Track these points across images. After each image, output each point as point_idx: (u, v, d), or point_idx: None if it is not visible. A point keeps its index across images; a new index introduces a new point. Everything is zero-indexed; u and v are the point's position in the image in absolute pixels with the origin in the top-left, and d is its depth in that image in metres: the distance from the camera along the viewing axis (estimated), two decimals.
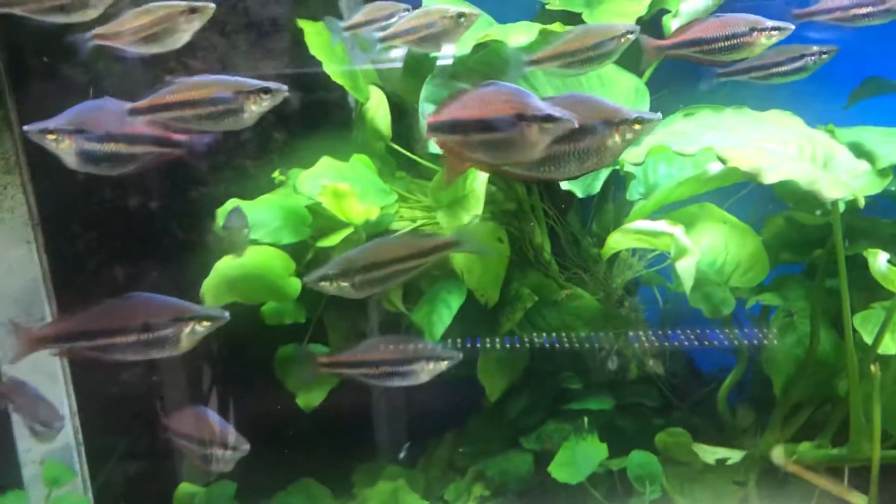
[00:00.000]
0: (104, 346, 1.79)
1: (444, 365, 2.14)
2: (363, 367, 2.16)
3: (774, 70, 2.27)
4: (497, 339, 2.59)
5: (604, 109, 1.71)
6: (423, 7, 2.15)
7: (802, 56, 2.26)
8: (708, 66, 2.27)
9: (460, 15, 2.11)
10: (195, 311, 1.86)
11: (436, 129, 1.74)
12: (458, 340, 2.56)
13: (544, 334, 2.58)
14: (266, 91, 1.81)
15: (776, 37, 2.15)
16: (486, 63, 2.47)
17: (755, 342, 2.69)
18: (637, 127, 1.70)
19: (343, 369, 2.20)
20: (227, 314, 1.89)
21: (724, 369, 2.73)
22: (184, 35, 1.83)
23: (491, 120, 1.67)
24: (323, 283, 1.94)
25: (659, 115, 1.72)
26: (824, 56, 2.25)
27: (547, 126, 1.66)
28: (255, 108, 1.81)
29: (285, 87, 1.83)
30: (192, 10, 1.80)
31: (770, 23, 2.15)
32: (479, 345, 2.60)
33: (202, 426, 2.05)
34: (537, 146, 1.69)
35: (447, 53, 2.48)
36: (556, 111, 1.66)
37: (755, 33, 2.15)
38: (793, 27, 2.17)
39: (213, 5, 1.81)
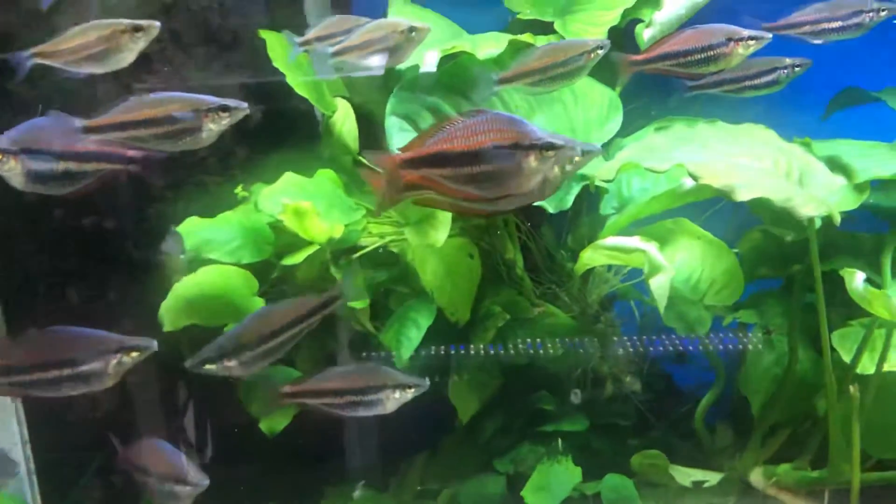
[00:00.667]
0: (25, 383, 1.71)
1: (410, 393, 2.08)
2: (327, 397, 2.10)
3: (747, 83, 2.22)
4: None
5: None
6: (375, 21, 2.07)
7: (775, 69, 2.20)
8: (685, 78, 2.22)
9: (411, 29, 2.04)
10: (122, 343, 1.78)
11: (417, 163, 1.65)
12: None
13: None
14: (225, 109, 1.73)
15: (753, 46, 2.11)
16: (455, 76, 2.40)
17: (733, 360, 2.65)
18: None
19: (306, 399, 2.13)
20: (154, 343, 1.81)
21: (704, 385, 2.67)
22: (128, 55, 1.75)
23: (485, 151, 1.60)
24: (208, 367, 1.87)
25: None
26: (797, 69, 2.20)
27: (549, 154, 1.61)
28: (213, 127, 1.74)
29: (245, 105, 1.76)
30: (137, 29, 1.73)
31: (747, 32, 2.10)
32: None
33: (159, 460, 1.96)
34: (536, 175, 1.63)
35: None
36: (556, 138, 1.61)
37: (732, 44, 2.10)
38: (770, 36, 2.12)
39: (157, 24, 1.74)
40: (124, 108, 1.70)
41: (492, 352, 2.51)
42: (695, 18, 2.41)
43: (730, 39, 2.10)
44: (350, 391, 2.09)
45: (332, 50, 2.04)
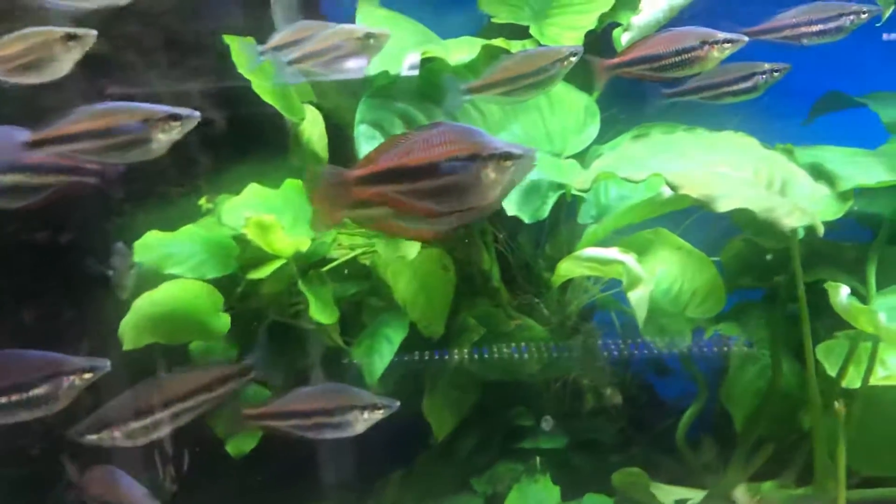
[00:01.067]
0: None
1: (379, 414, 2.00)
2: (294, 419, 2.02)
3: (725, 89, 2.16)
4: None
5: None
6: (332, 28, 2.00)
7: (753, 74, 2.15)
8: (660, 82, 2.16)
9: (368, 35, 1.96)
10: (72, 365, 1.70)
11: (372, 180, 1.57)
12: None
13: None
14: (176, 118, 1.65)
15: (729, 49, 2.06)
16: (427, 82, 2.32)
17: (716, 371, 2.58)
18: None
19: (271, 421, 2.04)
20: (108, 364, 1.74)
21: (687, 396, 2.60)
22: (63, 64, 1.66)
23: (443, 163, 1.54)
24: (89, 437, 1.77)
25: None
26: (776, 74, 2.14)
27: (506, 164, 1.56)
28: (163, 137, 1.66)
29: (197, 114, 1.67)
30: (71, 37, 1.64)
31: (722, 35, 2.06)
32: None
33: (112, 489, 1.87)
34: (496, 186, 1.58)
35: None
36: (514, 147, 1.56)
37: (707, 47, 2.05)
38: (746, 39, 2.07)
39: (94, 32, 1.65)
40: (70, 119, 1.62)
41: (468, 366, 2.43)
42: (673, 22, 2.35)
43: (704, 42, 2.05)
44: (317, 412, 2.02)
45: (288, 58, 1.96)
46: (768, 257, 2.27)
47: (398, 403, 2.02)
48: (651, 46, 2.06)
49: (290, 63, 1.96)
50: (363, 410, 2.00)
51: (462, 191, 1.58)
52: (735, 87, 2.16)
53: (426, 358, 2.47)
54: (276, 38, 2.02)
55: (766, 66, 2.15)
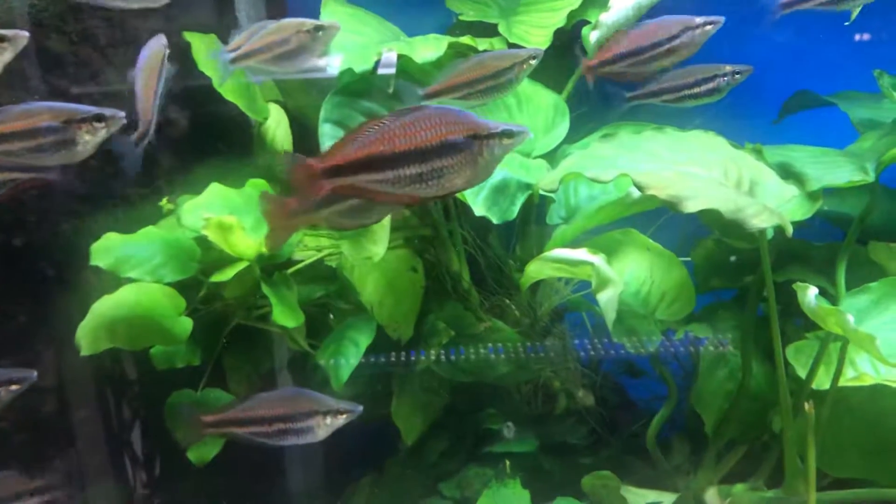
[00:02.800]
0: None
1: (342, 419, 1.96)
2: (254, 426, 1.98)
3: (686, 92, 2.14)
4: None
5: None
6: (277, 22, 1.94)
7: (715, 77, 2.13)
8: (623, 83, 2.15)
9: (318, 28, 1.91)
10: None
11: (344, 170, 1.51)
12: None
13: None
14: (100, 118, 1.61)
15: (711, 29, 2.07)
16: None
17: (687, 372, 2.56)
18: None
19: (231, 428, 2.00)
20: (34, 374, 1.71)
21: (658, 397, 2.58)
22: None
23: (438, 146, 1.51)
24: None
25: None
26: (737, 76, 2.13)
27: (506, 142, 1.55)
28: (89, 138, 1.61)
29: (122, 114, 1.63)
30: (1, 40, 1.58)
31: (700, 19, 2.07)
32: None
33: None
34: (493, 165, 1.57)
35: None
36: (511, 126, 1.55)
37: (688, 32, 2.06)
38: (722, 19, 2.08)
39: (25, 34, 1.59)
40: None
41: (437, 369, 2.39)
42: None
43: (686, 28, 2.05)
44: (278, 419, 1.98)
45: (230, 56, 1.91)
46: (733, 259, 2.24)
47: (361, 408, 1.98)
48: (633, 40, 2.05)
49: (233, 61, 1.91)
50: (325, 416, 1.97)
51: (456, 173, 1.54)
52: (697, 90, 2.14)
53: (394, 360, 2.42)
54: (240, 37, 1.96)
55: (729, 67, 2.14)
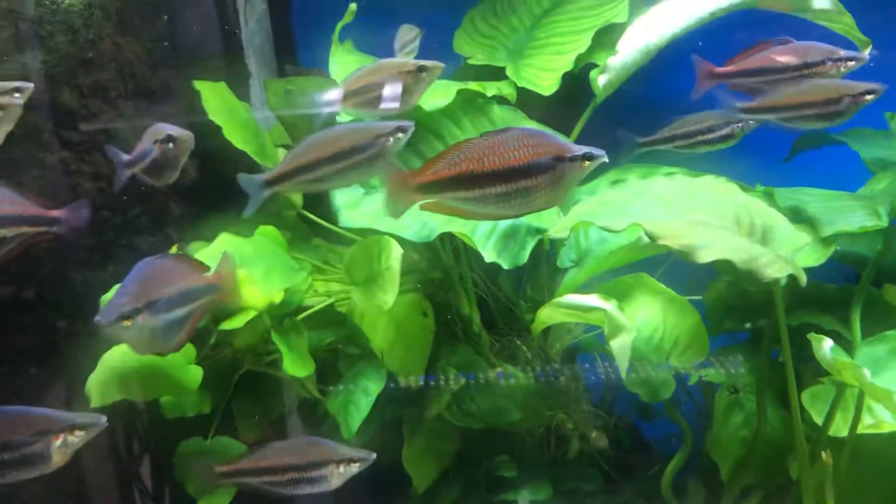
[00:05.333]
0: None
1: (356, 467, 1.95)
2: (267, 475, 1.99)
3: (700, 138, 2.13)
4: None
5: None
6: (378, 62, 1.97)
7: (728, 123, 2.12)
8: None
9: (420, 69, 1.92)
10: (65, 421, 1.66)
11: (435, 188, 1.61)
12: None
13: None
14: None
15: (850, 67, 2.03)
16: None
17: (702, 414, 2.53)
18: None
19: (245, 478, 1.99)
20: (104, 420, 1.70)
21: (673, 437, 2.55)
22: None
23: (526, 166, 1.58)
24: None
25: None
26: (751, 122, 2.11)
27: (587, 165, 1.61)
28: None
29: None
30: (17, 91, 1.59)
31: (845, 52, 2.03)
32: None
33: None
34: (572, 186, 1.65)
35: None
36: (593, 149, 1.62)
37: (829, 63, 2.02)
38: (866, 57, 2.06)
39: (31, 85, 1.61)
40: None
41: (447, 416, 2.36)
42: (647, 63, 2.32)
43: (828, 59, 2.01)
44: (291, 468, 1.98)
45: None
46: (748, 302, 2.22)
47: (374, 456, 1.98)
48: (766, 60, 2.02)
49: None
50: (339, 464, 1.97)
51: (540, 193, 1.60)
52: (711, 136, 2.13)
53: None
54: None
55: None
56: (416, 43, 2.32)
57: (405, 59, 2.24)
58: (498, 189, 1.60)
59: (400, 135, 1.86)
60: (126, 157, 2.01)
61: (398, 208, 1.67)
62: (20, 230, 1.73)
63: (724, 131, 2.13)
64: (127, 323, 1.68)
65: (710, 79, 2.08)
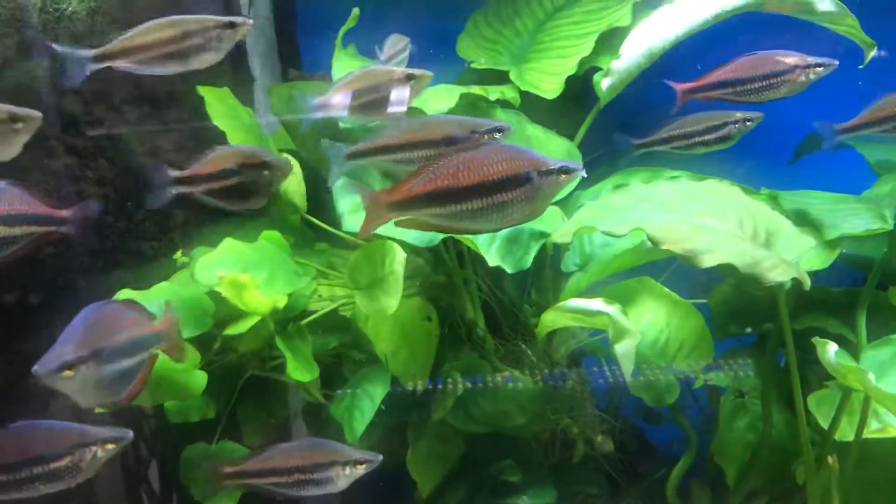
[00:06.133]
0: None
1: (362, 469, 1.96)
2: (273, 476, 2.00)
3: (697, 139, 2.13)
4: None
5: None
6: (366, 69, 1.98)
7: (725, 124, 2.12)
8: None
9: (409, 77, 1.95)
10: (96, 435, 1.71)
11: (407, 205, 1.61)
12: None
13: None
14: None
15: (819, 73, 2.05)
16: None
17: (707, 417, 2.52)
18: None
19: (251, 479, 2.00)
20: (130, 434, 1.74)
21: (678, 441, 2.54)
22: (12, 148, 1.63)
23: (501, 181, 1.58)
24: None
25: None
26: (748, 123, 2.11)
27: (562, 179, 1.63)
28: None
29: None
30: (15, 119, 1.61)
31: (814, 59, 2.05)
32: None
33: None
34: (548, 200, 1.66)
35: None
36: (569, 163, 1.63)
37: (798, 70, 2.04)
38: (836, 63, 2.07)
39: (39, 115, 1.63)
40: None
41: (451, 420, 2.36)
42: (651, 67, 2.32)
43: (797, 66, 2.03)
44: (297, 469, 1.98)
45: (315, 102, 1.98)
46: (753, 306, 2.22)
47: (380, 457, 1.99)
48: (735, 70, 2.03)
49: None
50: (345, 466, 1.97)
51: (517, 207, 1.60)
52: (708, 137, 2.13)
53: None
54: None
55: (739, 114, 2.12)
56: (406, 53, 2.31)
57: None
58: (474, 204, 1.60)
59: (497, 135, 1.90)
60: (174, 173, 2.01)
61: (370, 226, 1.66)
62: (29, 229, 1.74)
63: (721, 133, 2.13)
64: (69, 373, 1.62)
65: (683, 95, 2.12)
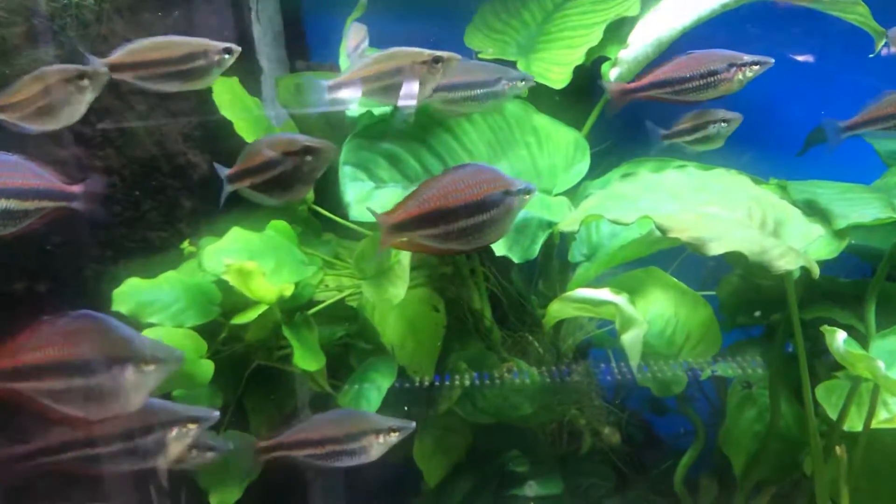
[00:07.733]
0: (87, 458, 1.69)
1: (395, 437, 1.96)
2: (307, 448, 1.98)
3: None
4: None
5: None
6: (389, 50, 1.94)
7: (708, 123, 2.13)
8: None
9: (436, 59, 1.90)
10: (183, 413, 1.77)
11: (404, 226, 1.66)
12: None
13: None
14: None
15: (756, 71, 2.07)
16: (414, 121, 2.27)
17: (714, 408, 2.51)
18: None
19: (285, 452, 1.99)
20: (216, 414, 1.80)
21: (685, 433, 2.53)
22: (78, 107, 1.65)
23: (484, 201, 1.65)
24: None
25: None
26: (724, 124, 2.13)
27: (526, 198, 1.70)
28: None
29: None
30: (82, 76, 1.63)
31: (749, 57, 2.06)
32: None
33: None
34: (514, 219, 1.73)
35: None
36: (529, 184, 1.71)
37: (734, 69, 2.05)
38: (771, 60, 2.08)
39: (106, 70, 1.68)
40: None
41: (457, 410, 2.36)
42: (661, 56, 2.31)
43: (731, 65, 2.04)
44: (330, 440, 1.96)
45: (328, 83, 1.93)
46: (761, 296, 2.21)
47: (414, 424, 1.97)
48: (672, 70, 2.04)
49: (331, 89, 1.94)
50: (378, 434, 1.95)
51: (492, 227, 1.67)
52: (691, 137, 2.16)
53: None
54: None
55: (721, 114, 2.17)
56: (366, 42, 2.27)
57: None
58: (460, 224, 1.66)
59: (521, 82, 2.02)
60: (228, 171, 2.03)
61: (384, 246, 1.72)
62: (41, 204, 1.74)
63: (702, 133, 2.17)
64: None
65: (622, 96, 2.14)
